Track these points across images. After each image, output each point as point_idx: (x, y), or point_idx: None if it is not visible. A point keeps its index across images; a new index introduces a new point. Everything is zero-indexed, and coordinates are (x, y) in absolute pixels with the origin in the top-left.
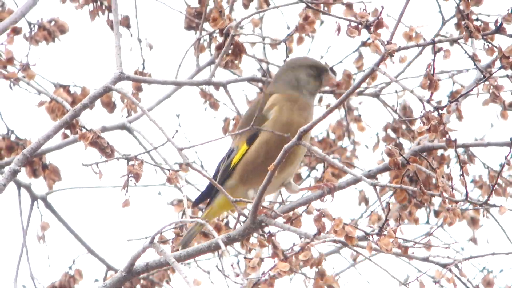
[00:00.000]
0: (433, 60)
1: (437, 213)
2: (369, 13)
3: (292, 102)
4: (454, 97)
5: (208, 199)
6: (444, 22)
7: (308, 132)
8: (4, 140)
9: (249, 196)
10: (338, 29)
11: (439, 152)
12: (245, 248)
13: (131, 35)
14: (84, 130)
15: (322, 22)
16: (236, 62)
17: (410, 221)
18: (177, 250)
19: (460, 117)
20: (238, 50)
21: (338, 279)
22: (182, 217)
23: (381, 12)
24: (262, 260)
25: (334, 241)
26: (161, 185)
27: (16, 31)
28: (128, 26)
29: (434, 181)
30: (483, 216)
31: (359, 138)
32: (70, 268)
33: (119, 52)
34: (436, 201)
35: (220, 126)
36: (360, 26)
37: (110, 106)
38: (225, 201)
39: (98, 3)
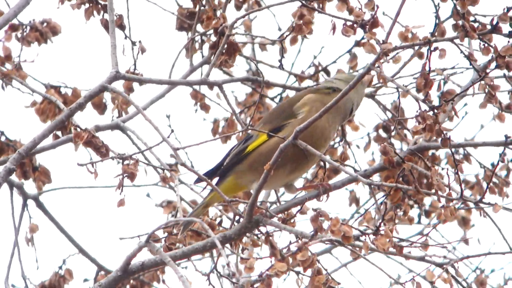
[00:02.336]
0: (429, 59)
1: (427, 213)
2: (364, 12)
3: (323, 105)
4: (446, 97)
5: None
6: (438, 23)
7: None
8: None
9: (252, 188)
10: (334, 28)
11: (431, 152)
12: (237, 248)
13: (125, 37)
14: (78, 130)
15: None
16: (230, 61)
17: (404, 221)
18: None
19: (453, 117)
20: (232, 50)
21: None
22: (176, 216)
23: (376, 11)
24: (260, 258)
25: (331, 241)
26: (153, 185)
27: (14, 28)
28: (122, 27)
29: (425, 181)
30: (480, 215)
31: (350, 138)
32: (60, 268)
33: (115, 51)
34: (427, 201)
35: (209, 125)
36: (355, 25)
37: (101, 107)
38: (231, 186)
39: (94, 2)
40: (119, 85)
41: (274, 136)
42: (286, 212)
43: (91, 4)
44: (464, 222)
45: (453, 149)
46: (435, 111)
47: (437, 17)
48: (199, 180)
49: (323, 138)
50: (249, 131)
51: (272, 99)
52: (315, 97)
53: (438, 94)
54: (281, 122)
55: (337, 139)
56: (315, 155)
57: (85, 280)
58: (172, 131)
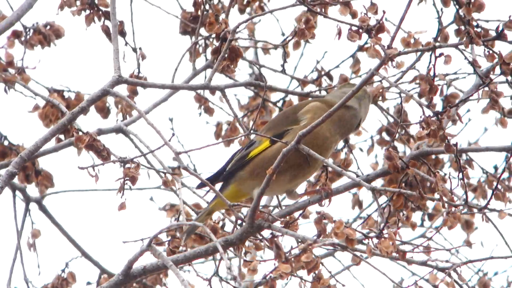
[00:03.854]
0: (434, 65)
1: (431, 216)
2: (370, 17)
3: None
4: (449, 101)
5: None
6: (441, 29)
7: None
8: None
9: (254, 194)
10: (339, 33)
11: (434, 156)
12: (240, 252)
13: (126, 44)
14: (80, 133)
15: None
16: (232, 66)
17: (407, 226)
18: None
19: (456, 121)
20: (234, 55)
21: (335, 283)
22: (178, 219)
23: (382, 16)
24: (263, 261)
25: (333, 244)
26: (155, 188)
27: (17, 35)
28: (122, 33)
29: (428, 185)
30: (482, 220)
31: (353, 141)
32: (63, 271)
33: (117, 55)
34: (430, 204)
35: (212, 129)
36: (361, 30)
37: (104, 111)
38: (233, 194)
39: (95, 8)
40: (122, 89)
41: (277, 141)
42: (288, 216)
43: (91, 11)
44: (468, 226)
45: (448, 157)
46: (439, 116)
47: (440, 22)
48: (201, 184)
49: (324, 147)
50: (252, 137)
51: (274, 103)
52: (319, 105)
53: (442, 98)
54: (284, 128)
55: (340, 144)
56: (317, 161)
57: (88, 283)
58: (174, 134)
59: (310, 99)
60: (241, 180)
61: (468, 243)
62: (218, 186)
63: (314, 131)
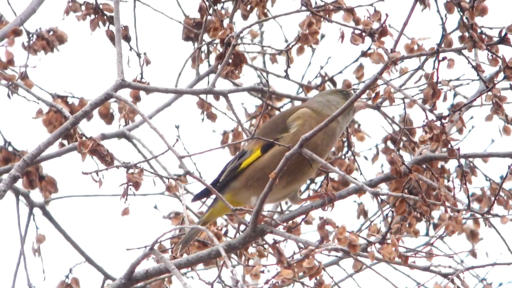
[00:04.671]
0: (437, 69)
1: (436, 226)
2: (373, 21)
3: (317, 122)
4: (453, 107)
5: (207, 197)
6: (445, 35)
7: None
8: (1, 151)
9: (252, 202)
10: (342, 37)
11: (439, 164)
12: (243, 258)
13: (130, 49)
14: (84, 138)
15: (323, 36)
16: (237, 72)
17: (410, 233)
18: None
19: (462, 128)
20: (238, 60)
21: None
22: (181, 224)
23: (385, 20)
24: (264, 266)
25: (337, 249)
26: (159, 194)
27: (17, 33)
28: (127, 38)
29: (434, 193)
30: (485, 225)
31: (358, 149)
32: (67, 276)
33: (121, 59)
34: (436, 214)
35: (218, 137)
36: (364, 33)
37: (108, 117)
38: (229, 203)
39: (100, 13)
40: (125, 93)
41: (268, 149)
42: (291, 221)
43: (96, 16)
44: (473, 235)
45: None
46: (442, 121)
47: (444, 28)
48: (196, 197)
49: (317, 154)
50: (244, 147)
51: (278, 109)
52: (309, 111)
53: (449, 106)
54: (274, 136)
55: (344, 150)
56: (318, 164)
57: None
58: (177, 139)
59: (296, 105)
60: (235, 190)
61: (473, 254)
62: (212, 197)
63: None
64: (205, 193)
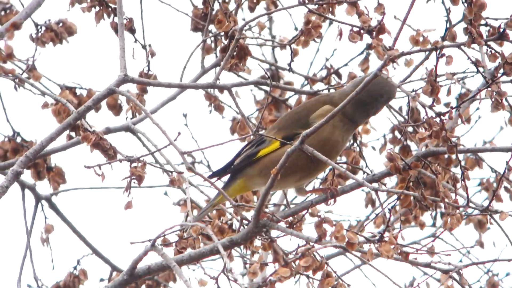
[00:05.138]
0: (436, 66)
1: (443, 215)
2: (371, 18)
3: (340, 119)
4: (459, 102)
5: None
6: (449, 28)
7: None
8: (10, 142)
9: (262, 192)
10: (340, 34)
11: (446, 156)
12: (248, 251)
13: (135, 41)
14: (87, 132)
15: (331, 23)
16: (241, 65)
17: (416, 225)
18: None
19: (469, 118)
20: (243, 53)
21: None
22: (186, 220)
23: (383, 17)
24: (266, 264)
25: (336, 246)
26: (166, 186)
27: (16, 26)
28: (132, 30)
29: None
30: (487, 222)
31: (366, 139)
32: (75, 268)
33: (123, 54)
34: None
35: (227, 126)
36: (362, 31)
37: (116, 108)
38: (241, 188)
39: (104, 5)
40: (131, 87)
41: (286, 143)
42: (291, 218)
43: (101, 7)
44: (480, 225)
45: (462, 155)
46: (442, 117)
47: (448, 21)
48: (213, 175)
49: (334, 151)
50: (263, 134)
51: (283, 101)
52: (332, 109)
53: (456, 96)
54: (294, 131)
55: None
56: (323, 162)
57: (101, 279)
58: (179, 133)
59: (324, 95)
60: (249, 176)
61: (480, 244)
62: (225, 178)
63: (328, 136)
64: (218, 174)
